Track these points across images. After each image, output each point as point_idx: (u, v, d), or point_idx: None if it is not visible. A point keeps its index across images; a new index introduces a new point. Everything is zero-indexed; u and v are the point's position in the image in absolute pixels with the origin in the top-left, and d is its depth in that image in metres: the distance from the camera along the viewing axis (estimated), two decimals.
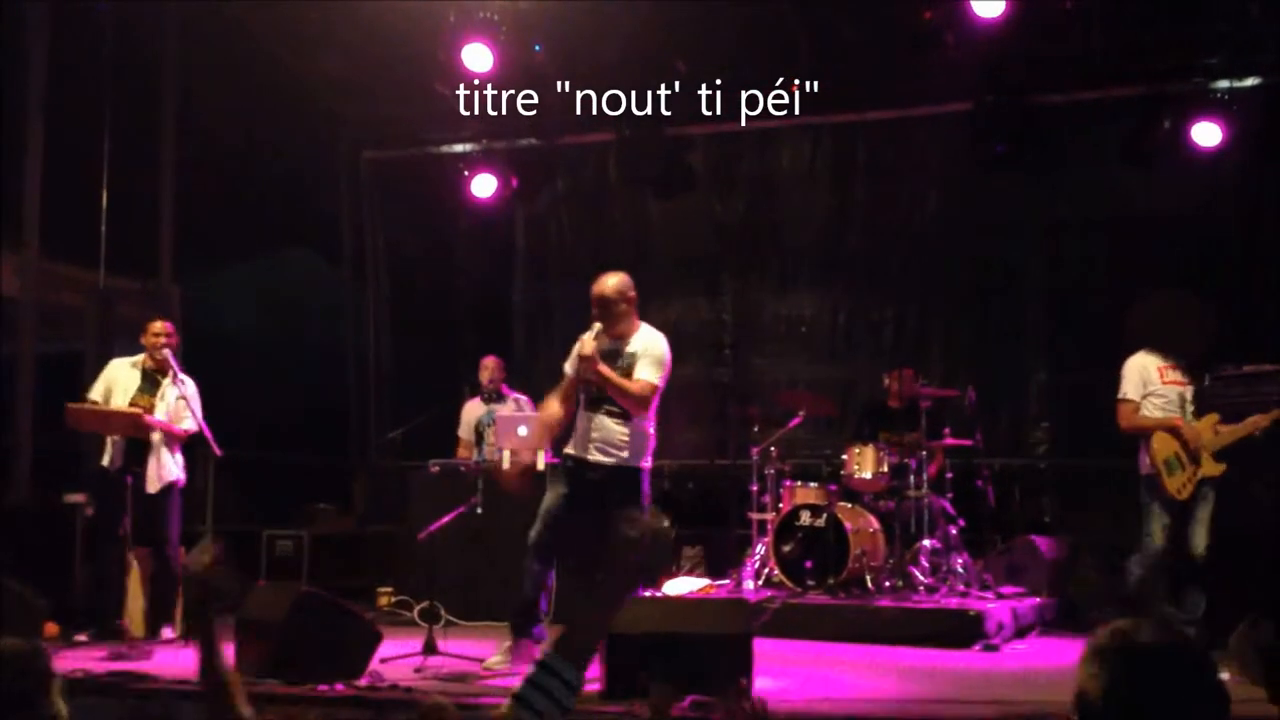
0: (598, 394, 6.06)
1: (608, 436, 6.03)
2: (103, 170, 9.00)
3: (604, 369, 5.96)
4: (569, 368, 6.18)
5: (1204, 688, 1.95)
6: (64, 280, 9.25)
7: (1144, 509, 6.70)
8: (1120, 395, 6.72)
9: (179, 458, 7.48)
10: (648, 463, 6.13)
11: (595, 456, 6.05)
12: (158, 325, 7.43)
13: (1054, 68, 9.24)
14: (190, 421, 7.33)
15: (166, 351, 7.34)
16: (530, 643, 6.07)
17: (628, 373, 6.02)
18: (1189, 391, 6.69)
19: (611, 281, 6.14)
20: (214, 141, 9.51)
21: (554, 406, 6.19)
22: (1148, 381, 6.69)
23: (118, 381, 7.43)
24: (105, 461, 7.36)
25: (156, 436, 7.31)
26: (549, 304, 11.28)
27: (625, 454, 6.05)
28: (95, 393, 7.44)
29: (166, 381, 7.39)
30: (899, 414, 8.75)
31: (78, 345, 8.26)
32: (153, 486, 7.28)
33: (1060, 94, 9.33)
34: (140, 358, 7.48)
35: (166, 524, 7.36)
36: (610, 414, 6.03)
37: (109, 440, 7.37)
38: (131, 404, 7.33)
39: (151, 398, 7.38)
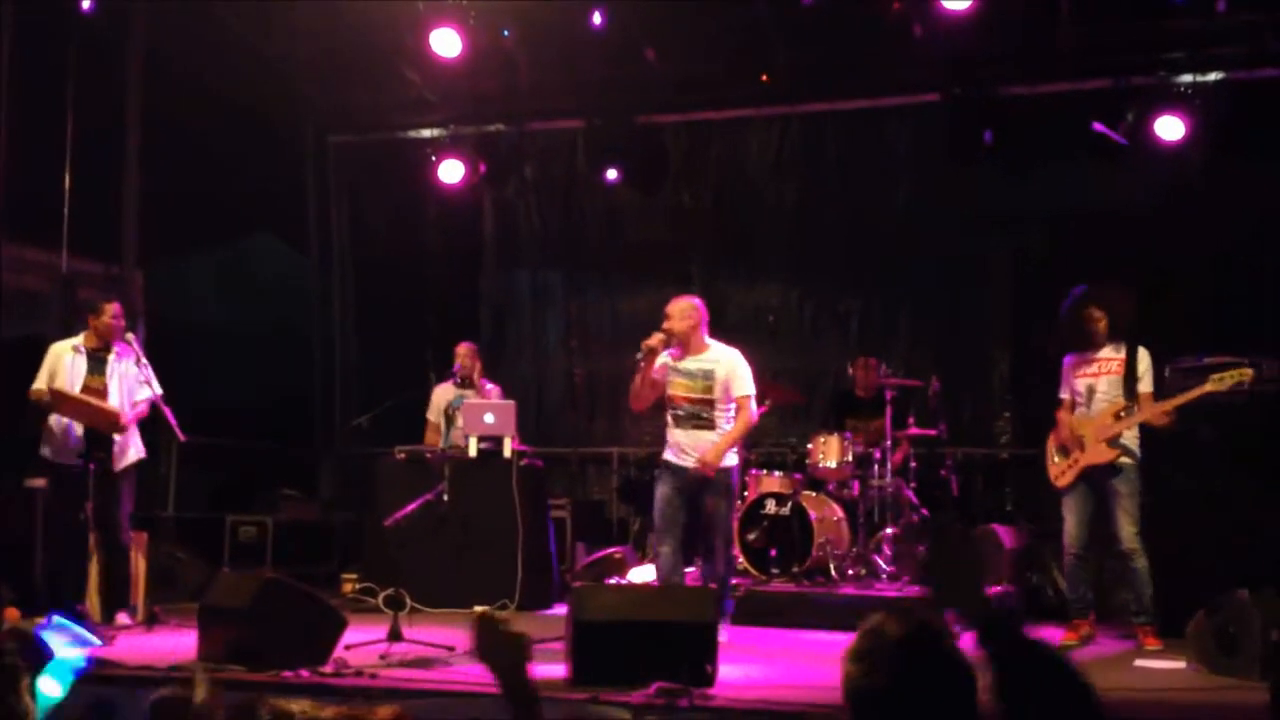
0: (687, 412, 6.77)
1: (701, 447, 6.72)
2: (66, 152, 8.91)
3: (720, 452, 6.66)
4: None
5: (952, 667, 2.16)
6: (26, 263, 9.15)
7: None
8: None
9: (138, 437, 7.43)
10: (736, 460, 6.91)
11: (695, 465, 6.72)
12: (113, 308, 7.34)
13: (1020, 60, 9.31)
14: (146, 390, 7.30)
15: (131, 336, 7.33)
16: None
17: (709, 388, 6.71)
18: (1100, 381, 6.84)
19: (692, 301, 6.86)
20: (179, 125, 9.42)
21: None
22: (1067, 380, 7.00)
23: (63, 366, 7.28)
24: (48, 452, 7.25)
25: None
26: (517, 291, 11.26)
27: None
28: (41, 380, 7.25)
29: (111, 359, 7.33)
30: (866, 403, 8.82)
31: (40, 329, 8.17)
32: (119, 464, 7.24)
33: (1026, 86, 9.38)
34: (80, 338, 7.35)
35: (120, 506, 7.30)
36: (698, 427, 6.75)
37: (56, 428, 7.27)
38: (84, 388, 7.21)
39: (102, 377, 7.29)
